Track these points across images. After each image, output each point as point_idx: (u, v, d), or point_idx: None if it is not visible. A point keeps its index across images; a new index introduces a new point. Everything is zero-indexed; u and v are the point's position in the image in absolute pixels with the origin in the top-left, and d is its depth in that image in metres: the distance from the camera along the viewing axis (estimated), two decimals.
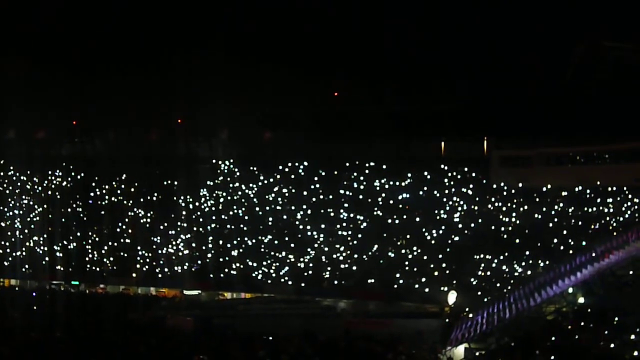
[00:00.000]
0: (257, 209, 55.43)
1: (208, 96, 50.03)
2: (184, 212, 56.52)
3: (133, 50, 55.64)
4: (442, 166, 52.94)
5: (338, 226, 52.43)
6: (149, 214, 57.56)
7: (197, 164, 57.87)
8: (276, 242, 53.03)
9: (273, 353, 24.96)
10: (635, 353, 22.48)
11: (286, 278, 51.12)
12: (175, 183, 57.86)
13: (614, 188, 48.58)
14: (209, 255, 54.14)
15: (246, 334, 31.08)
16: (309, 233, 52.66)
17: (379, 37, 51.78)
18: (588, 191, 49.24)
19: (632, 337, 23.91)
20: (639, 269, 32.11)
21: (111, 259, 56.61)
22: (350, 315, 43.51)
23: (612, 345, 24.17)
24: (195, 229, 55.75)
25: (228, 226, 55.38)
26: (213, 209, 56.68)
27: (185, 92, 53.69)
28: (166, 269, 55.20)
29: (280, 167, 55.86)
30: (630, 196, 47.95)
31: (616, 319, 26.52)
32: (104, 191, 59.94)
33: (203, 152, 58.45)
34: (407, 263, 48.85)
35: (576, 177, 49.83)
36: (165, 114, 57.88)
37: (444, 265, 47.47)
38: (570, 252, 42.43)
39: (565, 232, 47.33)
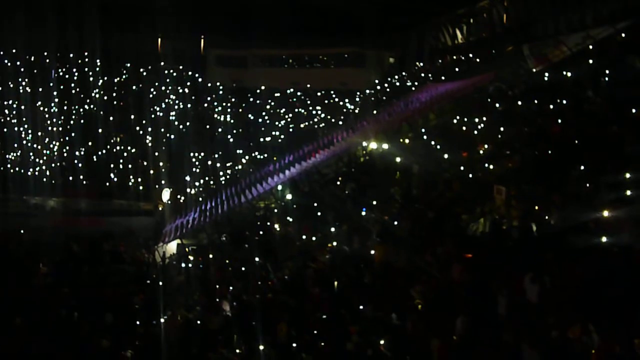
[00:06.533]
0: None
1: None
2: None
3: None
4: (159, 63, 52.14)
5: (48, 122, 49.92)
6: None
7: None
8: None
9: None
10: (335, 243, 24.20)
11: None
12: None
13: (323, 92, 51.00)
14: None
15: None
16: (16, 128, 49.67)
17: None
18: (299, 93, 51.21)
19: (332, 229, 25.61)
20: (342, 168, 34.22)
21: None
22: (60, 214, 42.24)
23: (314, 238, 25.77)
24: None
25: None
26: None
27: None
28: None
29: None
30: (337, 99, 50.67)
31: (319, 213, 28.20)
32: None
33: None
34: (121, 161, 48.09)
35: (288, 79, 51.58)
36: None
37: (159, 163, 47.34)
38: (280, 151, 44.11)
39: (276, 132, 49.05)
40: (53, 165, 48.52)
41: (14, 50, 51.30)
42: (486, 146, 27.95)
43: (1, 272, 21.68)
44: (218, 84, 51.84)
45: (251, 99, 51.11)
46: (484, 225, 20.63)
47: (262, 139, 48.67)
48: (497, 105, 32.47)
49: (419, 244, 20.60)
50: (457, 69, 43.38)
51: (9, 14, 47.57)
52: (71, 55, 51.42)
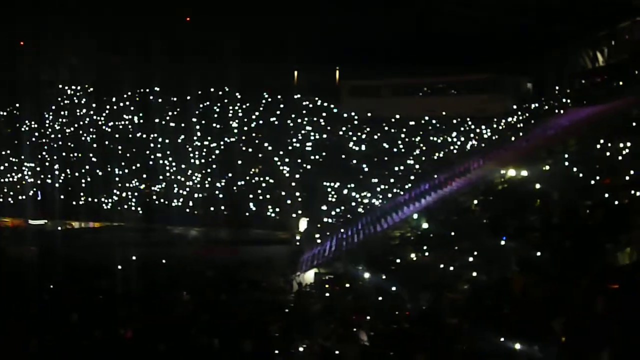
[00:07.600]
0: (106, 136, 53.75)
1: (52, 17, 47.36)
2: (27, 139, 53.97)
3: None
4: (295, 95, 53.09)
5: (190, 154, 51.73)
6: None
7: (42, 88, 55.07)
8: (126, 170, 51.86)
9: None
10: (474, 274, 23.72)
11: (136, 207, 50.32)
12: (17, 108, 55.06)
13: (458, 119, 50.34)
14: (56, 183, 52.26)
15: (92, 263, 30.56)
16: (160, 161, 51.75)
17: None
18: (434, 121, 50.79)
19: (470, 259, 25.15)
20: (478, 196, 33.66)
21: None
22: (201, 243, 43.53)
23: (451, 268, 25.39)
24: (40, 156, 53.49)
25: (75, 154, 53.50)
26: (59, 136, 54.49)
27: (28, 12, 50.47)
28: (9, 198, 53.08)
29: (130, 93, 54.19)
30: (472, 126, 49.90)
31: (456, 242, 27.78)
32: None
33: (48, 76, 55.51)
34: (259, 191, 49.10)
35: (423, 107, 51.27)
36: (6, 35, 54.27)
37: (296, 193, 47.99)
38: (416, 179, 43.83)
39: (411, 161, 48.76)
40: (195, 196, 50.16)
41: (157, 88, 53.56)
42: (631, 172, 26.84)
43: (144, 301, 22.49)
44: (353, 114, 52.18)
45: (386, 128, 51.10)
46: (631, 254, 19.73)
47: (397, 168, 48.46)
48: None
49: (560, 274, 19.91)
50: (598, 93, 41.95)
51: (153, 54, 49.84)
52: (211, 89, 53.13)
